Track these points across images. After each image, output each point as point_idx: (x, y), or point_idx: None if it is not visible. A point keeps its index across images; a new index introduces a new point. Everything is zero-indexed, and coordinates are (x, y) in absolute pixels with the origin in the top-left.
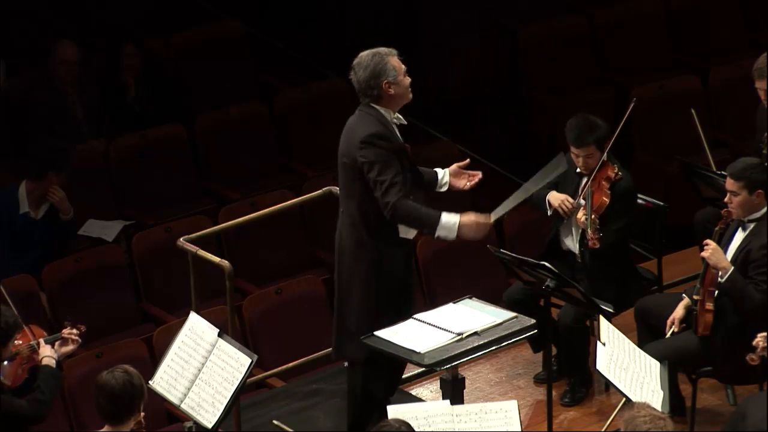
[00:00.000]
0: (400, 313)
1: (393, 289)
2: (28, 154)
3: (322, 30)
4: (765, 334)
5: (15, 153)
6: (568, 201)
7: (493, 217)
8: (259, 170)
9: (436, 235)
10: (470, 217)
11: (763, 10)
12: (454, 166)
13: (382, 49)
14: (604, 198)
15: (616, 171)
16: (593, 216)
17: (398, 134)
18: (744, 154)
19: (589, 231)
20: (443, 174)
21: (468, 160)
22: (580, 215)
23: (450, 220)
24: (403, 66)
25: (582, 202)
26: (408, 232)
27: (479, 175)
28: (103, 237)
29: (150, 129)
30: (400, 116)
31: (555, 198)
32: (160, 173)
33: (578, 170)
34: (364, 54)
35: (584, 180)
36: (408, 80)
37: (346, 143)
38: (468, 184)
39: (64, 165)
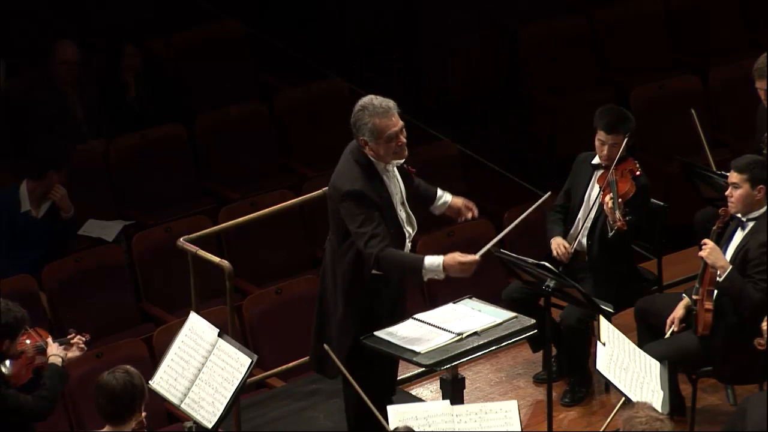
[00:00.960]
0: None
1: (370, 322)
2: (28, 153)
3: (322, 30)
4: None
5: (15, 153)
6: (563, 246)
7: (479, 254)
8: (259, 170)
9: (425, 275)
10: (454, 258)
11: (763, 10)
12: (461, 203)
13: (375, 104)
14: (630, 186)
15: (637, 166)
16: (620, 200)
17: (391, 181)
18: (744, 154)
19: (617, 213)
20: (443, 195)
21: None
22: (607, 200)
23: (434, 262)
24: (395, 127)
25: (594, 194)
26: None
27: (475, 212)
28: (103, 237)
29: (150, 129)
30: (397, 162)
31: (553, 242)
32: (160, 173)
33: (593, 162)
34: (359, 102)
35: (598, 173)
36: (392, 145)
37: (331, 185)
38: (463, 218)
39: (64, 163)
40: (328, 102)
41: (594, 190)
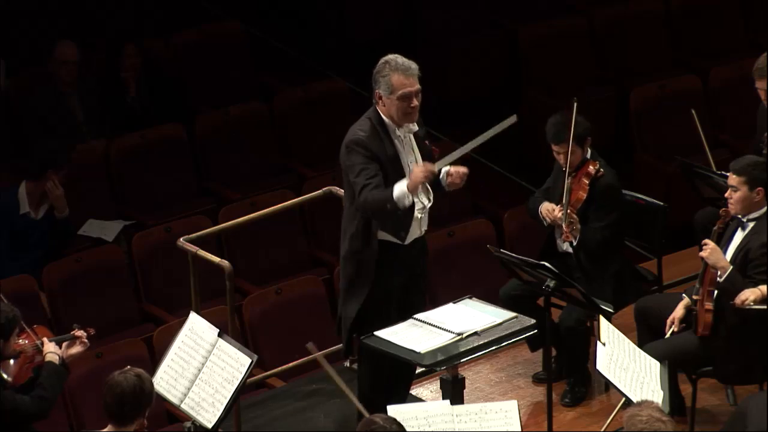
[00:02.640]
0: (387, 320)
1: (379, 295)
2: (27, 154)
3: (322, 30)
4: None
5: (15, 153)
6: (552, 208)
7: (437, 165)
8: (259, 170)
9: (398, 203)
10: (417, 169)
11: (763, 10)
12: (453, 169)
13: (398, 61)
14: (581, 193)
15: (597, 167)
16: (569, 210)
17: (405, 147)
18: (744, 154)
19: (564, 225)
20: (443, 174)
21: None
22: (557, 210)
23: (400, 186)
24: (411, 87)
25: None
26: (388, 235)
27: (464, 169)
28: (103, 237)
29: (150, 129)
30: (411, 126)
31: (543, 208)
32: (160, 173)
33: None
34: (385, 57)
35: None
36: (404, 104)
37: (342, 145)
38: (459, 180)
39: (63, 162)
40: (328, 102)
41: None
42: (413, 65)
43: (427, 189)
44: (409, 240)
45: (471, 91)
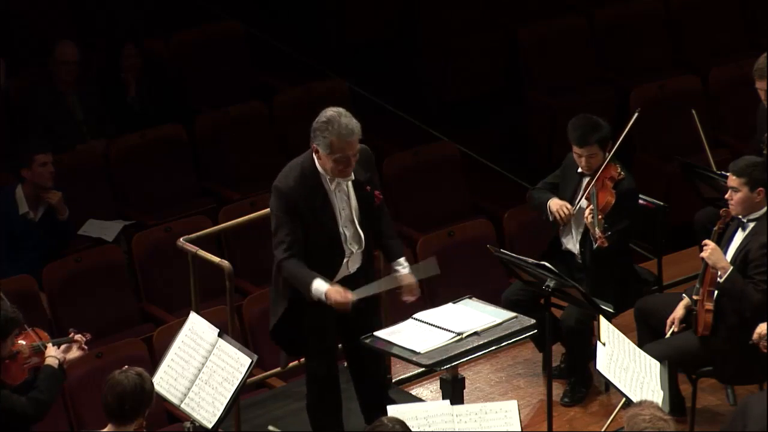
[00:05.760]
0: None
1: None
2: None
3: (322, 30)
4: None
5: (15, 153)
6: (566, 208)
7: (356, 296)
8: (258, 170)
9: (311, 294)
10: (337, 292)
11: (763, 10)
12: (407, 284)
13: (341, 124)
14: (609, 197)
15: (619, 171)
16: (600, 216)
17: (338, 195)
18: (744, 154)
19: (597, 230)
20: (400, 265)
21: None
22: (587, 215)
23: (319, 288)
24: (350, 151)
25: (584, 202)
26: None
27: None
28: (103, 237)
29: (150, 129)
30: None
31: (554, 204)
32: (160, 173)
33: (579, 170)
34: (327, 113)
35: (585, 180)
36: (339, 166)
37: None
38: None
39: (31, 153)
40: (328, 102)
41: (583, 201)
42: (356, 127)
43: (359, 236)
44: (337, 278)
45: (471, 91)
